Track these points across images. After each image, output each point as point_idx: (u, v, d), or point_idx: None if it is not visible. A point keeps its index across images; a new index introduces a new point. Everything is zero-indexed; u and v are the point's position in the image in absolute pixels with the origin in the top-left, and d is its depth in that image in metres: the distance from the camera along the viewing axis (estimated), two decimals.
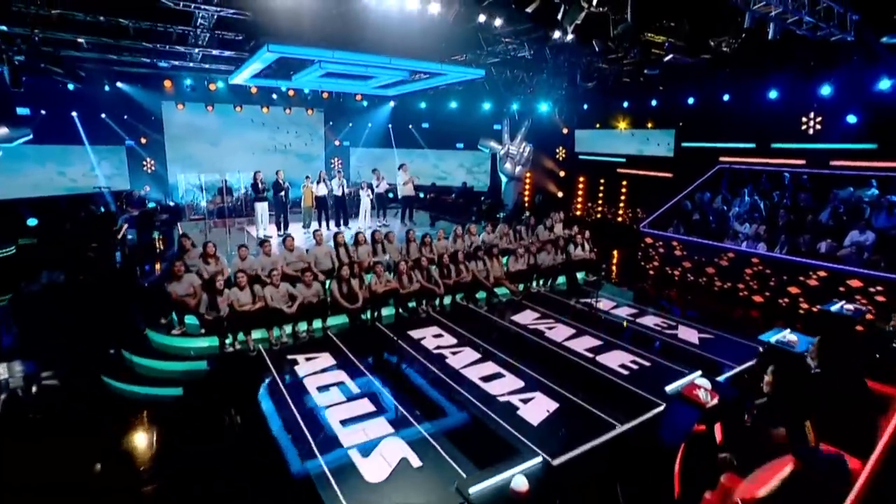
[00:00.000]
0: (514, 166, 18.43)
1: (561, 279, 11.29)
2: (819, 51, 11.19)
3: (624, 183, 17.76)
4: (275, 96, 17.64)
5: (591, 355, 7.74)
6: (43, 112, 15.65)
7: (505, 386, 6.73)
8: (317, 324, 8.53)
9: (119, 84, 15.63)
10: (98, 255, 10.50)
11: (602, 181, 18.56)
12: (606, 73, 14.79)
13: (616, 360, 7.59)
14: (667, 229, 13.14)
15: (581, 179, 19.24)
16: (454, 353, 7.71)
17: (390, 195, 14.85)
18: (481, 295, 10.11)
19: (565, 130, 19.45)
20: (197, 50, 11.79)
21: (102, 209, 13.53)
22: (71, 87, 15.51)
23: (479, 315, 9.47)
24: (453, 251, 10.32)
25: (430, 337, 8.32)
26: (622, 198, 17.86)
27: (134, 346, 7.65)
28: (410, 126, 20.89)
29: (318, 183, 13.35)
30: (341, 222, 13.90)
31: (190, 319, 8.07)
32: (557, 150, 20.18)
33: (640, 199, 17.50)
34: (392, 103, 20.06)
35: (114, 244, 10.64)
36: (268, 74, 13.86)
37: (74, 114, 16.24)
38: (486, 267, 10.11)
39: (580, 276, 11.63)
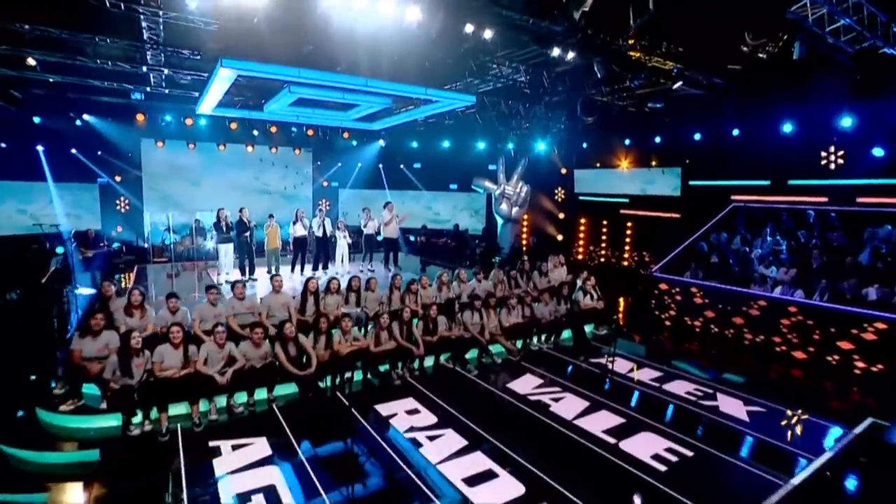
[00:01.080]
0: (511, 207, 16.64)
1: (566, 333, 9.24)
2: (841, 76, 9.63)
3: (629, 224, 15.91)
4: (256, 132, 16.03)
5: (612, 440, 5.64)
6: (3, 145, 14.00)
7: (499, 493, 4.62)
8: (261, 393, 6.45)
9: (87, 117, 14.00)
10: (16, 303, 8.57)
11: (605, 223, 16.72)
12: (608, 107, 13.20)
13: (647, 447, 5.50)
14: (683, 274, 11.20)
15: (582, 221, 17.42)
16: (432, 439, 5.61)
17: (379, 238, 12.99)
18: (472, 354, 8.05)
19: (564, 170, 17.78)
20: (153, 75, 10.18)
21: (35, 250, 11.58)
22: (37, 119, 13.96)
23: (467, 381, 7.38)
24: (441, 302, 8.37)
25: (402, 413, 6.23)
26: (627, 240, 15.97)
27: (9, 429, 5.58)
28: (402, 166, 19.25)
29: (294, 223, 11.48)
30: (319, 266, 11.93)
31: (91, 389, 6.02)
32: (556, 191, 18.45)
33: (646, 241, 15.61)
34: (382, 142, 18.49)
35: (40, 290, 8.72)
36: (240, 104, 12.28)
37: (40, 148, 14.54)
38: (480, 320, 8.10)
39: (588, 329, 9.57)
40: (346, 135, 16.88)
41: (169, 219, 13.34)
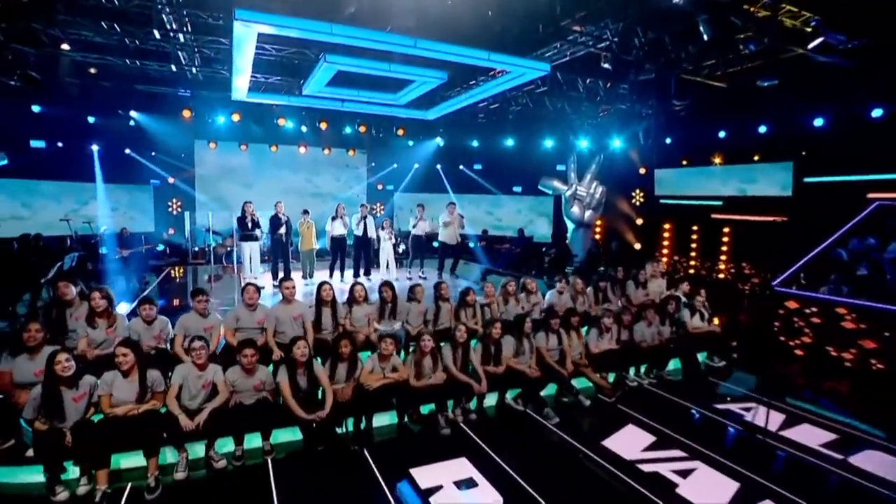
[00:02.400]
0: (584, 210, 14.09)
1: (673, 363, 6.66)
2: None
3: (727, 230, 12.95)
4: (304, 128, 14.40)
5: None
6: (60, 144, 13.17)
7: None
8: (254, 440, 4.41)
9: (134, 114, 12.89)
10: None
11: (695, 229, 13.81)
12: (702, 91, 10.53)
13: None
14: (818, 289, 8.32)
15: (666, 227, 14.56)
16: None
17: (435, 244, 10.84)
18: (549, 391, 5.69)
19: (643, 170, 15.03)
20: (182, 54, 8.65)
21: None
22: (91, 119, 13.05)
23: (544, 432, 5.00)
24: (508, 318, 6.10)
25: (450, 486, 3.97)
26: (724, 249, 12.99)
27: None
28: (462, 166, 17.15)
29: (333, 219, 9.56)
30: (361, 271, 9.93)
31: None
32: (634, 194, 15.70)
33: (747, 250, 12.61)
34: (440, 140, 16.45)
35: (37, 291, 7.26)
36: (278, 88, 10.63)
37: (95, 148, 13.63)
38: (559, 345, 5.76)
39: (701, 357, 6.92)
40: (401, 131, 14.99)
41: (209, 219, 11.89)
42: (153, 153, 14.72)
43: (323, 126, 14.27)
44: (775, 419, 5.12)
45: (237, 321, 5.16)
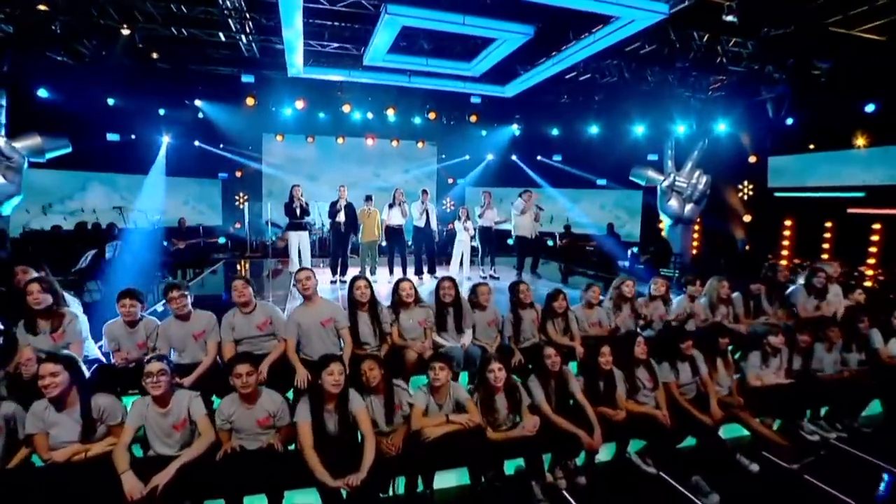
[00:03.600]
0: (683, 204, 11.73)
1: (872, 406, 4.46)
2: None
3: (877, 227, 10.12)
4: (371, 115, 13.09)
5: None
6: (133, 136, 12.75)
7: None
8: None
9: (199, 103, 12.17)
10: None
11: (829, 226, 11.03)
12: (853, 50, 8.02)
13: None
14: None
15: (787, 224, 11.83)
16: None
17: (510, 241, 9.06)
18: (688, 441, 3.76)
19: (753, 159, 12.40)
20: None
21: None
22: (162, 111, 12.52)
23: None
24: (620, 333, 4.25)
25: None
26: (872, 250, 10.16)
27: None
28: (539, 157, 15.21)
29: (391, 206, 8.06)
30: (424, 269, 8.36)
31: None
32: (742, 186, 13.08)
33: None
34: (516, 129, 14.58)
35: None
36: (337, 60, 9.31)
37: (166, 139, 13.13)
38: (694, 377, 3.85)
39: None
40: (473, 118, 13.33)
41: (268, 210, 10.86)
42: (221, 145, 14.12)
43: (390, 113, 12.92)
44: None
45: (233, 331, 3.64)
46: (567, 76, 9.58)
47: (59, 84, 9.78)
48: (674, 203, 11.88)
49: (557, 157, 15.05)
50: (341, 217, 7.70)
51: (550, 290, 4.54)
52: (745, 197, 13.12)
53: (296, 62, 8.54)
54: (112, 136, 12.48)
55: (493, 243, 8.73)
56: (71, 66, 8.97)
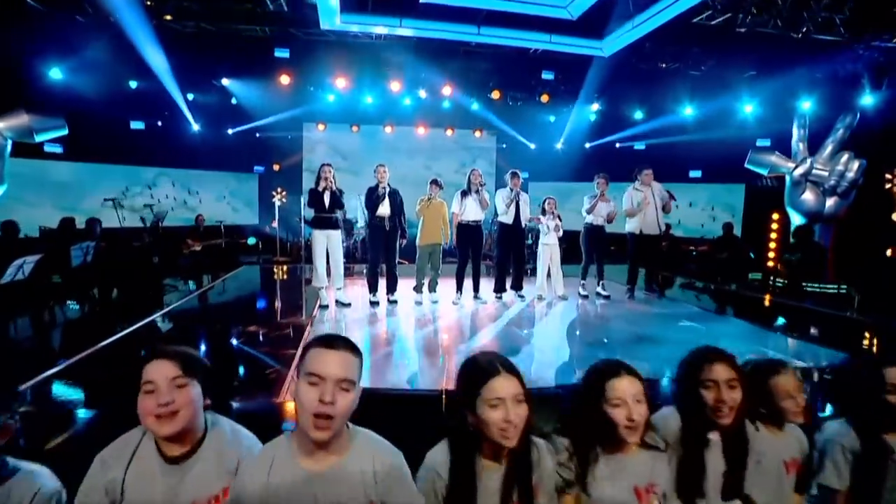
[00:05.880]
0: (822, 197, 8.44)
1: None
2: None
3: None
4: (424, 94, 10.46)
5: None
6: (159, 123, 10.68)
7: None
8: None
9: (227, 82, 9.91)
10: None
11: None
12: None
13: None
14: None
15: None
16: None
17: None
18: None
19: None
20: None
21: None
22: (190, 96, 10.38)
23: None
24: None
25: None
26: None
27: None
28: (618, 145, 12.16)
29: (464, 195, 5.37)
30: (507, 284, 5.56)
31: None
32: (892, 175, 9.62)
33: None
34: (593, 112, 11.60)
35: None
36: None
37: (196, 128, 10.98)
38: None
39: None
40: (544, 97, 10.48)
41: (301, 206, 8.44)
42: (257, 135, 11.90)
43: (447, 93, 10.29)
44: None
45: None
46: (695, 19, 6.55)
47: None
48: (809, 196, 8.56)
49: (640, 146, 11.97)
50: (384, 209, 5.06)
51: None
52: None
53: (331, 4, 6.00)
54: (136, 125, 10.45)
55: (602, 248, 5.88)
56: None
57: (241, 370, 3.27)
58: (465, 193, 5.40)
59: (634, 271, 5.89)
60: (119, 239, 6.30)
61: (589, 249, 5.84)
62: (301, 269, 8.25)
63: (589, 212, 5.78)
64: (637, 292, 5.91)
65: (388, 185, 5.16)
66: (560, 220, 5.63)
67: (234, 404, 2.52)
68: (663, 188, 5.99)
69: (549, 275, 5.67)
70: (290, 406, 2.48)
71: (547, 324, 4.72)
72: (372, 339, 4.09)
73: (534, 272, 6.16)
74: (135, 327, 4.05)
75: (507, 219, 5.46)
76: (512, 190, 5.55)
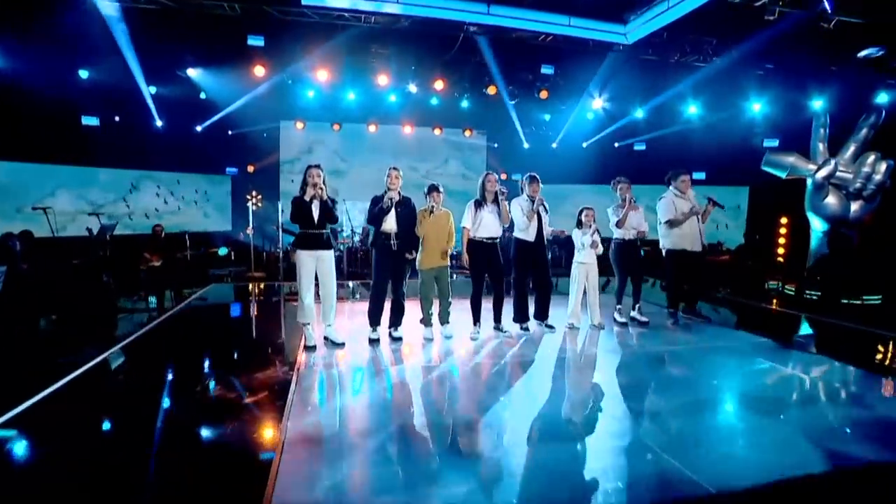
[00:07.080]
0: (846, 201, 7.76)
1: None
2: None
3: None
4: (414, 87, 9.33)
5: None
6: (116, 119, 9.26)
7: None
8: None
9: (192, 72, 8.57)
10: None
11: None
12: None
13: None
14: None
15: None
16: None
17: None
18: None
19: None
20: None
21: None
22: (153, 89, 8.99)
23: None
24: None
25: None
26: None
27: None
28: (616, 144, 11.34)
29: (479, 205, 4.35)
30: (531, 312, 4.60)
31: None
32: None
33: None
34: (594, 109, 10.69)
35: None
36: None
37: (159, 123, 9.58)
38: None
39: None
40: (543, 94, 9.53)
41: (279, 212, 7.23)
42: (229, 132, 10.57)
43: (438, 87, 9.21)
44: None
45: None
46: None
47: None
48: (832, 201, 7.87)
49: (640, 146, 11.18)
50: (390, 224, 3.98)
51: None
52: None
53: None
54: (89, 120, 9.02)
55: (635, 267, 4.94)
56: None
57: (198, 472, 2.18)
58: (479, 204, 4.34)
59: (677, 293, 4.98)
60: (53, 256, 5.02)
61: (622, 269, 4.89)
62: (279, 287, 7.05)
63: (619, 225, 4.83)
64: (683, 317, 5.01)
65: (400, 192, 4.06)
66: (599, 233, 4.66)
67: None
68: (708, 197, 5.12)
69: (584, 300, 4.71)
70: None
71: (605, 373, 3.67)
72: (370, 415, 2.86)
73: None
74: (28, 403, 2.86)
75: (528, 235, 4.45)
76: (531, 199, 4.55)
